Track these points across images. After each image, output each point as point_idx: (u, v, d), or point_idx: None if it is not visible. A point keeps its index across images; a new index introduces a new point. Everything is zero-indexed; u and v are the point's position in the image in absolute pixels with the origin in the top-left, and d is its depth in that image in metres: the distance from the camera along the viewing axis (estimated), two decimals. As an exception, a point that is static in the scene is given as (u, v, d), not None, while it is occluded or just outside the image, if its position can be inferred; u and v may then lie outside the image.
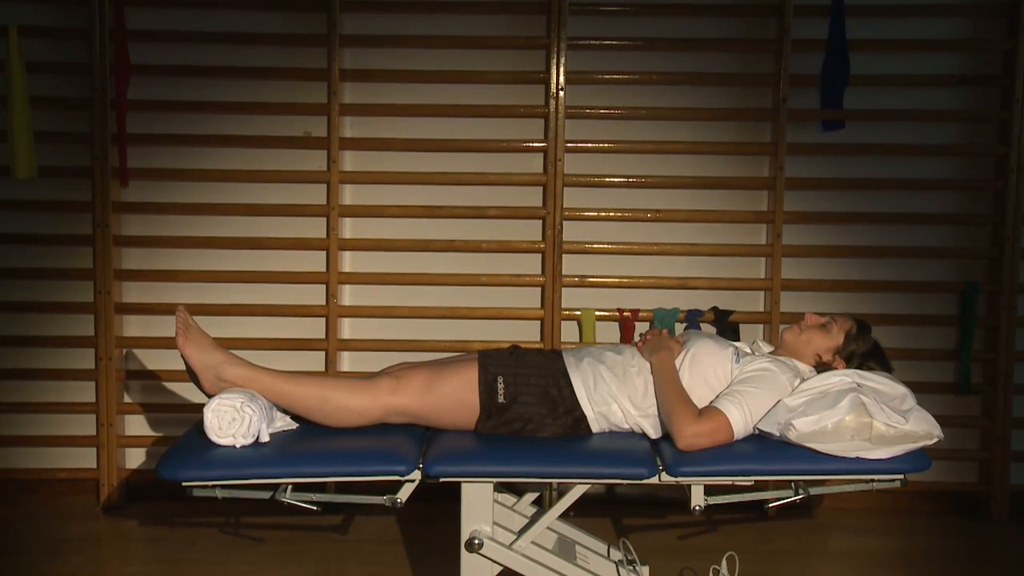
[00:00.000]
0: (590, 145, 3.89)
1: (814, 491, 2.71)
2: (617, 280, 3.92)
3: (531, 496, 3.07)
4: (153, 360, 3.95)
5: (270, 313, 3.93)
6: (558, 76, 3.81)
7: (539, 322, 3.94)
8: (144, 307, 3.92)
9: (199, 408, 2.65)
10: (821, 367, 2.83)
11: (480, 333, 3.92)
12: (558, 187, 3.85)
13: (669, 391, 2.71)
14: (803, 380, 2.75)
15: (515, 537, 2.71)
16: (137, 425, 4.00)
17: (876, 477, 2.62)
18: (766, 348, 2.99)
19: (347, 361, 3.98)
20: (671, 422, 2.65)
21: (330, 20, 3.78)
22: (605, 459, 2.65)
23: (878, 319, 3.51)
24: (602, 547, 3.09)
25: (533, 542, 2.71)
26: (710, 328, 3.87)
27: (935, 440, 2.62)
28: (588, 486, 2.69)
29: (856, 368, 2.78)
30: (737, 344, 2.92)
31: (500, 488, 2.98)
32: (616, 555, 3.07)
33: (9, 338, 3.91)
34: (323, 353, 3.93)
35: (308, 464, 2.57)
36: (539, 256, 3.93)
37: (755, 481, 2.64)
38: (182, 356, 2.71)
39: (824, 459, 2.58)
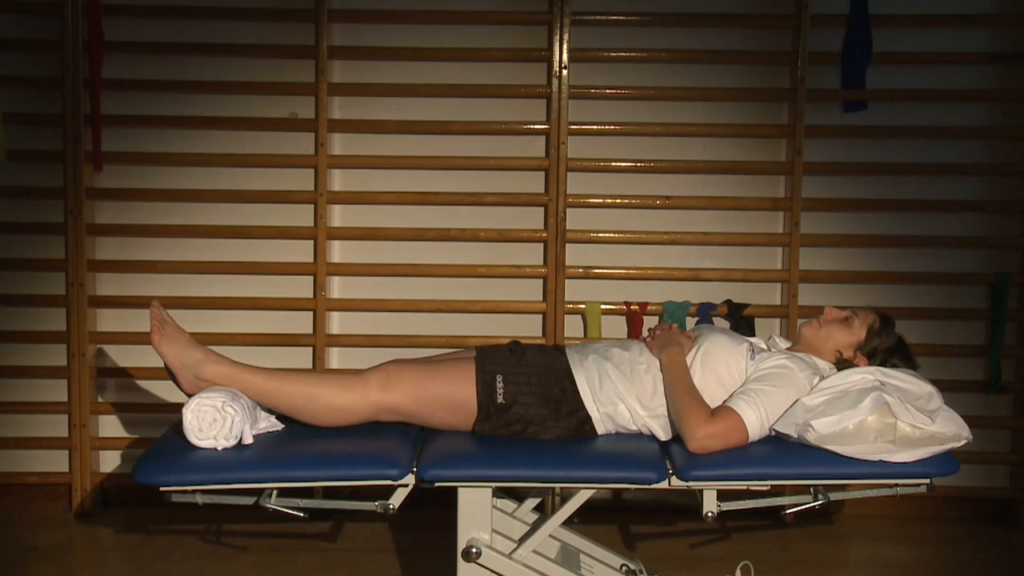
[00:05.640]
0: (595, 127, 3.89)
1: (834, 496, 2.70)
2: (624, 271, 3.92)
3: (532, 502, 3.07)
4: (129, 357, 3.94)
5: (253, 306, 3.92)
6: (561, 53, 3.80)
7: (541, 316, 3.94)
8: (119, 300, 3.91)
9: (178, 408, 2.64)
10: (842, 364, 2.83)
11: (478, 328, 3.92)
12: (561, 172, 3.84)
13: (680, 390, 2.70)
14: (822, 378, 2.74)
15: (515, 546, 2.71)
16: (112, 426, 4.00)
17: (901, 482, 2.62)
18: (783, 344, 2.99)
19: (336, 358, 3.97)
20: (682, 423, 2.65)
21: (317, -7, 3.78)
22: (611, 462, 2.64)
23: (902, 312, 3.50)
24: (608, 556, 3.09)
25: (534, 551, 2.70)
26: (723, 322, 3.87)
27: (963, 442, 2.61)
28: (593, 491, 2.69)
29: (879, 365, 2.77)
30: (752, 339, 2.92)
31: (499, 493, 2.98)
32: (623, 565, 3.07)
33: (-25, 333, 3.92)
34: (310, 349, 3.93)
35: (294, 467, 2.57)
36: (541, 246, 3.92)
37: (771, 486, 2.63)
38: (158, 354, 2.71)
39: (845, 462, 2.58)
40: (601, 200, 3.89)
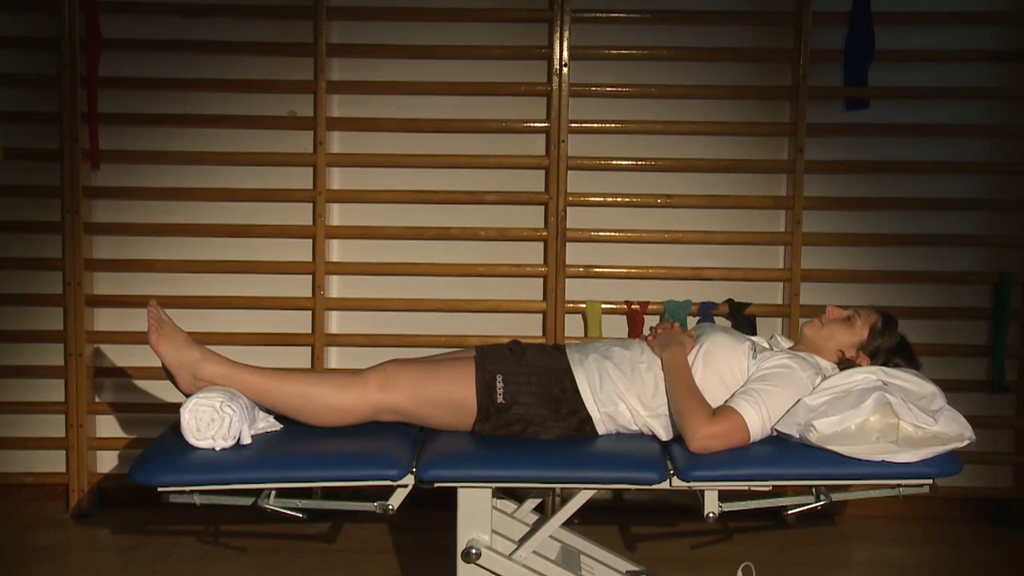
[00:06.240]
0: (596, 125, 3.88)
1: (836, 497, 2.70)
2: (625, 270, 3.91)
3: (532, 502, 3.06)
4: (126, 356, 3.94)
5: (252, 306, 3.92)
6: (562, 51, 3.80)
7: (541, 315, 3.93)
8: (116, 299, 3.91)
9: (175, 408, 2.64)
10: (844, 364, 2.82)
11: (478, 327, 3.92)
12: (561, 170, 3.84)
13: (681, 389, 2.70)
14: (824, 378, 2.74)
15: (515, 547, 2.70)
16: (109, 426, 3.99)
17: (903, 482, 2.61)
18: (785, 343, 2.98)
19: (335, 357, 3.97)
20: (683, 422, 2.65)
21: (316, -9, 3.78)
22: (612, 462, 2.64)
23: (905, 312, 3.49)
24: (609, 557, 3.09)
25: (535, 552, 2.70)
26: (725, 321, 3.87)
27: (966, 442, 2.60)
28: (594, 492, 2.68)
29: (881, 365, 2.77)
30: (754, 339, 2.92)
31: (499, 494, 2.98)
32: (624, 566, 3.07)
33: (-28, 333, 3.91)
34: (309, 349, 3.93)
35: (293, 468, 2.56)
36: (541, 245, 3.92)
37: (773, 486, 2.62)
38: (156, 354, 2.71)
39: (847, 463, 2.57)
40: (602, 199, 3.89)
